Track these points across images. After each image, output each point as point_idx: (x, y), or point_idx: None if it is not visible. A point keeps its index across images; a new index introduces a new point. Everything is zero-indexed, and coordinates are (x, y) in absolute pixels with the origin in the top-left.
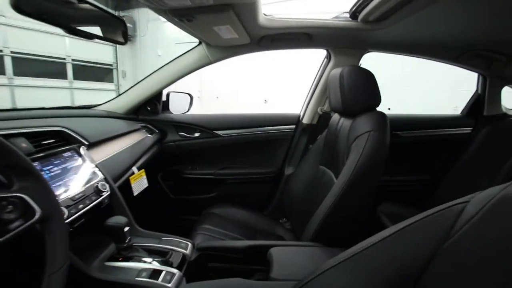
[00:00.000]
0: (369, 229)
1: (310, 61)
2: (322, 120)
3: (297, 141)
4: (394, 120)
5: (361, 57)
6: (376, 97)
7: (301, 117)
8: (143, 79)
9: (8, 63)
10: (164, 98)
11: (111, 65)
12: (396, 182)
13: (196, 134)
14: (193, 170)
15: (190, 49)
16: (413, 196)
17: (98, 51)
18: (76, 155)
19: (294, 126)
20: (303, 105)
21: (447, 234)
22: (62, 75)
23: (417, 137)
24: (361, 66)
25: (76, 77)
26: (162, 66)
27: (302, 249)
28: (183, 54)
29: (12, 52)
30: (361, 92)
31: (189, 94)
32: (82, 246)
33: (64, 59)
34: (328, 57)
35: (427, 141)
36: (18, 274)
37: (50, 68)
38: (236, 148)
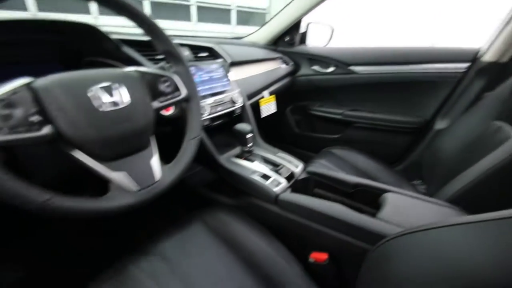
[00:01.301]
0: None
1: None
2: None
3: (466, 85)
4: None
5: None
6: None
7: (480, 53)
8: (282, 9)
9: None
10: (303, 29)
11: (264, 9)
12: None
13: (330, 69)
14: (321, 107)
15: None
16: None
17: None
18: (220, 69)
19: (466, 65)
20: (490, 36)
21: None
22: (228, 21)
23: None
24: None
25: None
26: None
27: (429, 205)
28: None
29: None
30: None
31: (330, 26)
32: (218, 143)
33: (229, 5)
34: None
35: None
36: (169, 137)
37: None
38: (374, 88)
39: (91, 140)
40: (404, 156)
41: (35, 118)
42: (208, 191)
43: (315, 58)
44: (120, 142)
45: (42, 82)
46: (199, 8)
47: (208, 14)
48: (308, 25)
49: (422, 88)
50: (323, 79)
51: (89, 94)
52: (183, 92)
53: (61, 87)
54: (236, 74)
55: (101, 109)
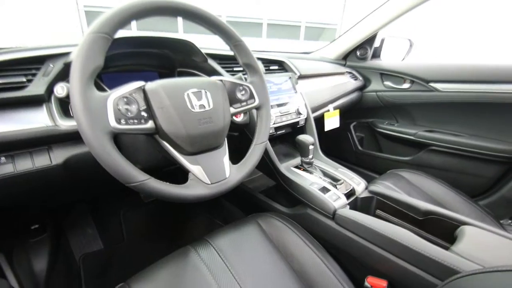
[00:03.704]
0: None
1: None
2: None
3: None
4: None
5: None
6: None
7: None
8: (354, 25)
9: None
10: (377, 44)
11: (335, 24)
12: None
13: (405, 85)
14: (391, 126)
15: None
16: None
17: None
18: (289, 81)
19: None
20: None
21: None
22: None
23: None
24: None
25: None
26: (377, 8)
27: None
28: None
29: None
30: None
31: (408, 40)
32: (279, 152)
33: (299, 22)
34: None
35: None
36: (242, 142)
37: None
38: (459, 108)
39: (180, 135)
40: (492, 189)
41: (144, 113)
42: (264, 197)
43: (388, 74)
44: (201, 139)
45: (151, 85)
46: (269, 25)
47: (278, 30)
48: (383, 39)
49: None
50: (397, 95)
51: (185, 97)
52: (257, 100)
53: (164, 89)
54: (304, 86)
55: (192, 110)
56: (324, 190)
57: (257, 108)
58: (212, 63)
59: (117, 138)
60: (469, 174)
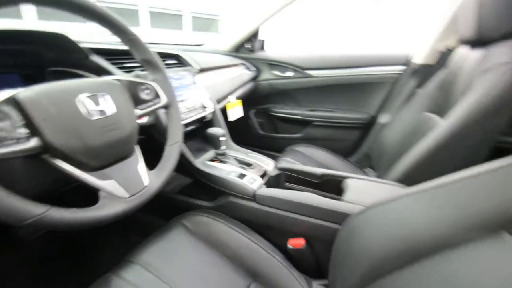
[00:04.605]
0: None
1: None
2: (443, 59)
3: (402, 84)
4: None
5: None
6: None
7: (410, 56)
8: (242, 18)
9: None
10: (262, 37)
11: (217, 15)
12: None
13: (289, 73)
14: (282, 109)
15: None
16: None
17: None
18: (189, 75)
19: (401, 67)
20: (418, 42)
21: None
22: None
23: None
24: None
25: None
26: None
27: (381, 185)
28: None
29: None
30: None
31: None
32: (190, 147)
33: (180, 10)
34: None
35: None
36: (151, 145)
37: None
38: (328, 90)
39: (79, 150)
40: (356, 149)
41: (23, 130)
42: (183, 197)
43: (274, 64)
44: (108, 150)
45: (27, 93)
46: (151, 14)
47: (159, 20)
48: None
49: (366, 88)
50: (283, 82)
51: (77, 103)
52: (163, 99)
53: (47, 97)
54: (204, 80)
55: (90, 118)
56: (242, 176)
57: (166, 107)
58: (96, 59)
59: None
60: (341, 140)
